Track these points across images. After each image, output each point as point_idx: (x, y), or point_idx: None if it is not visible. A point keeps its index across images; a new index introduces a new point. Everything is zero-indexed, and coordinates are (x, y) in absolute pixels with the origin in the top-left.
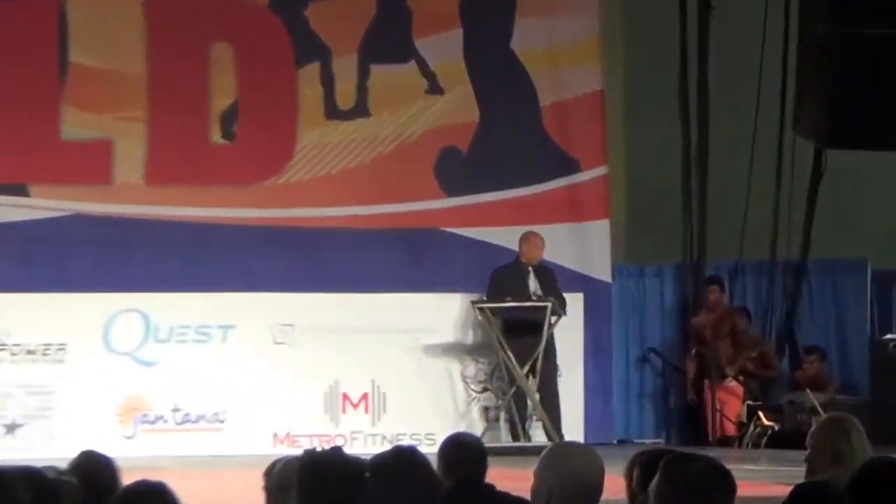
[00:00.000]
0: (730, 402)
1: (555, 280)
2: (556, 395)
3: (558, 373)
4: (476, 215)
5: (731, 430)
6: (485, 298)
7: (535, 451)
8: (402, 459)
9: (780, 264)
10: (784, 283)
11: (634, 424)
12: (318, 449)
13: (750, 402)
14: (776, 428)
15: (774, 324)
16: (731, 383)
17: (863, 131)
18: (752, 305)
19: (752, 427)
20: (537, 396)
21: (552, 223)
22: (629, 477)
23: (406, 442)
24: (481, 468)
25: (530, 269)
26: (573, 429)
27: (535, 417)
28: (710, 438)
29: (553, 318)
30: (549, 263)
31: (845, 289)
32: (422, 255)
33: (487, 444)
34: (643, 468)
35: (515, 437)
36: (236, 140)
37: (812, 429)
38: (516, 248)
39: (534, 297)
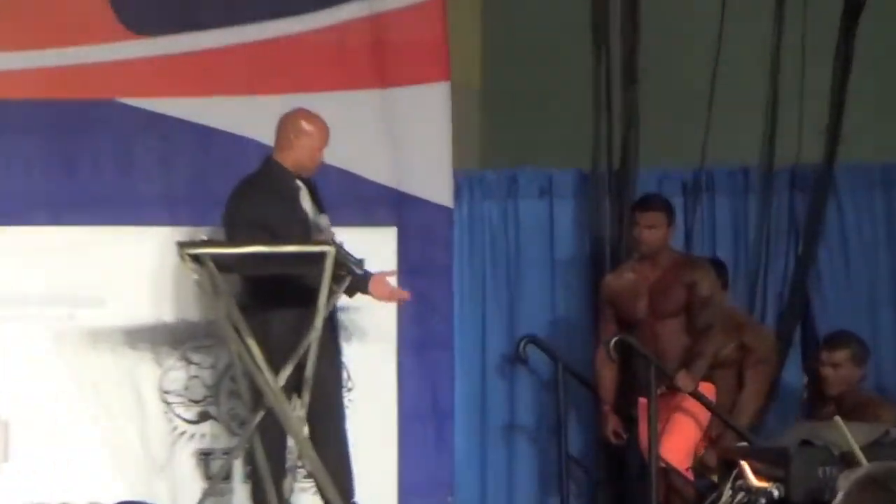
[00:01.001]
0: (681, 439)
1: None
2: (341, 426)
3: (347, 385)
4: (190, 75)
5: (687, 492)
6: (205, 238)
7: None
8: None
9: (783, 173)
10: (790, 207)
11: (499, 481)
12: None
13: (727, 445)
14: (775, 495)
15: (770, 284)
16: (685, 402)
17: None
18: (726, 247)
19: (729, 490)
20: (306, 429)
21: (336, 89)
22: None
23: None
24: None
25: (299, 183)
26: (380, 491)
27: (302, 469)
28: None
29: (341, 281)
30: (339, 173)
31: None
32: (84, 151)
33: None
34: None
35: None
36: None
37: (840, 496)
38: (267, 139)
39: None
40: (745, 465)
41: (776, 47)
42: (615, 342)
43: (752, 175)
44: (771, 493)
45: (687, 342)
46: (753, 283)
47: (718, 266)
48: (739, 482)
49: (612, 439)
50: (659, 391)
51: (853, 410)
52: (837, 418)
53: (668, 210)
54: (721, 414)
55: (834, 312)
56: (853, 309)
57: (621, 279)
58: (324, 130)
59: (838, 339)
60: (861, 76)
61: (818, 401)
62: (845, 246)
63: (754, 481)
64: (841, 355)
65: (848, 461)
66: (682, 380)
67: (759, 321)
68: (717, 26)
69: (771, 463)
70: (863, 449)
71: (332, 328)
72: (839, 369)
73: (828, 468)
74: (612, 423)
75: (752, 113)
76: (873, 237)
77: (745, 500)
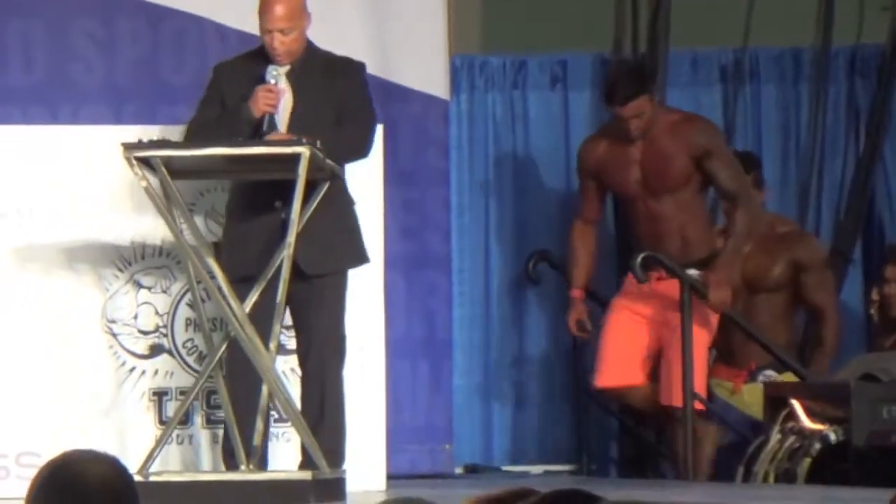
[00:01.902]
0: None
1: (339, 93)
2: (330, 361)
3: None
4: None
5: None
6: (155, 139)
7: (275, 492)
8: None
9: (843, 52)
10: (849, 95)
11: (504, 426)
12: None
13: (768, 373)
14: (832, 438)
15: (826, 188)
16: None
17: None
18: (773, 140)
19: (777, 434)
20: (272, 367)
21: None
22: None
23: None
24: None
25: (278, 68)
26: (365, 443)
27: (276, 415)
28: (682, 466)
29: (321, 184)
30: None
31: None
32: (8, 36)
33: (162, 478)
34: None
35: (229, 462)
36: None
37: None
38: (222, 19)
39: (269, 131)
40: (796, 404)
41: None
42: (642, 259)
43: (803, 57)
44: (827, 437)
45: (698, 226)
46: (806, 186)
47: (749, 159)
48: (790, 424)
49: (575, 331)
50: (653, 274)
51: None
52: None
53: (643, 85)
54: (782, 355)
55: None
56: None
57: (602, 145)
58: (266, 10)
59: None
60: None
61: (884, 327)
62: None
63: (808, 423)
64: None
65: None
66: (715, 293)
67: (810, 233)
68: None
69: (827, 401)
70: None
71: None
72: None
73: (894, 407)
74: (578, 312)
75: None
76: None
77: (797, 444)
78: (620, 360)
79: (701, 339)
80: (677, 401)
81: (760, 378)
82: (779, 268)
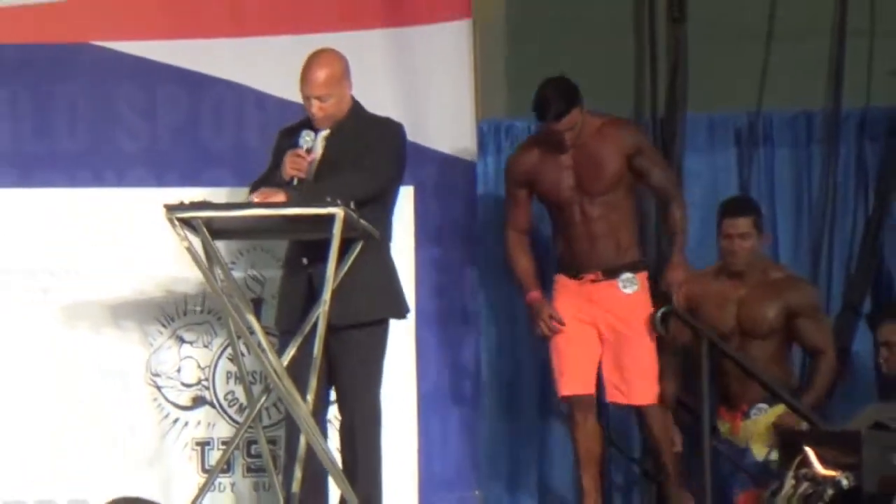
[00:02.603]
0: (653, 377)
1: (371, 140)
2: (365, 412)
3: (382, 362)
4: (172, 14)
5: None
6: (197, 201)
7: None
8: None
9: (854, 115)
10: (859, 157)
11: (530, 471)
12: None
13: (760, 406)
14: (845, 484)
15: (837, 246)
16: (764, 413)
17: None
18: (786, 201)
19: (791, 480)
20: (310, 417)
21: (345, 30)
22: None
23: None
24: None
25: (314, 133)
26: (398, 487)
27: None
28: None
29: (356, 242)
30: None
31: None
32: (55, 102)
33: None
34: None
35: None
36: None
37: None
38: (264, 87)
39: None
40: (810, 451)
41: None
42: (662, 314)
43: (815, 120)
44: (840, 483)
45: (630, 229)
46: (818, 243)
47: (747, 203)
48: (804, 470)
49: (547, 330)
50: (587, 276)
51: None
52: None
53: (574, 100)
54: (782, 394)
55: None
56: None
57: (533, 155)
58: (305, 77)
59: None
60: None
61: (894, 378)
62: None
63: (821, 469)
64: None
65: None
66: (673, 273)
67: (803, 277)
68: None
69: (840, 449)
70: None
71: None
72: None
73: None
74: (546, 309)
75: (816, 51)
76: None
77: (811, 490)
78: (580, 368)
79: (651, 341)
80: (650, 398)
81: (753, 412)
82: (772, 312)
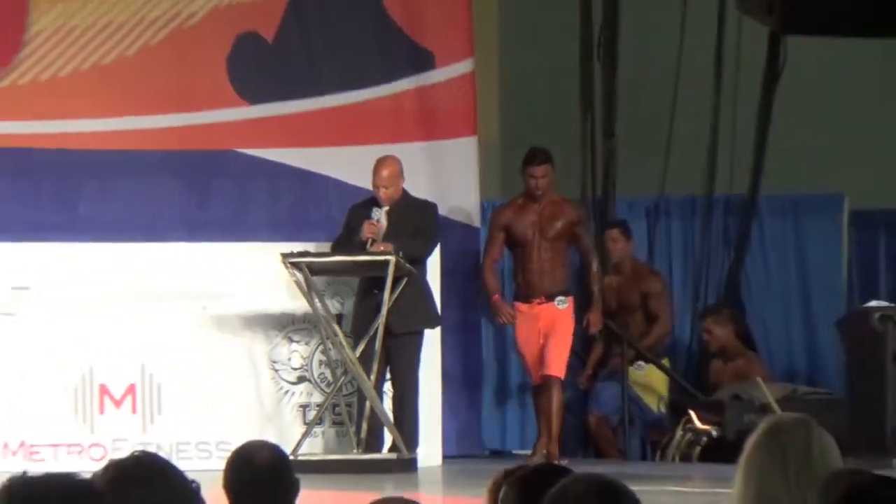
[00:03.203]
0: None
1: (417, 221)
2: (408, 387)
3: (419, 353)
4: (289, 131)
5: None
6: (301, 250)
7: (374, 466)
8: (144, 468)
9: (720, 200)
10: (725, 228)
11: (513, 430)
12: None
13: (675, 397)
14: (714, 434)
15: (710, 285)
16: (643, 369)
17: (837, 9)
18: (679, 257)
19: (680, 431)
20: (372, 389)
21: (396, 142)
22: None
23: (192, 455)
24: (281, 495)
25: (381, 209)
26: (428, 435)
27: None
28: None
29: (402, 278)
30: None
31: (811, 236)
32: (212, 188)
33: (306, 457)
34: (513, 494)
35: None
36: None
37: (752, 437)
38: (344, 178)
39: (370, 248)
40: (692, 413)
41: (715, 109)
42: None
43: (697, 203)
44: (711, 433)
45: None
46: (698, 281)
47: (622, 225)
48: (689, 425)
49: (511, 320)
50: (537, 301)
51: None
52: (759, 379)
53: (551, 160)
54: (679, 380)
55: (757, 304)
56: (770, 302)
57: (511, 209)
58: (376, 173)
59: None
60: (782, 122)
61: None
62: (765, 257)
63: (699, 425)
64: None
65: (766, 410)
66: (595, 317)
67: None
68: (671, 95)
69: (711, 411)
70: (778, 402)
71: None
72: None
73: (752, 415)
74: (506, 306)
75: (697, 155)
76: (785, 251)
77: (693, 438)
78: (535, 365)
79: (570, 339)
80: (558, 371)
81: (634, 367)
82: (635, 297)
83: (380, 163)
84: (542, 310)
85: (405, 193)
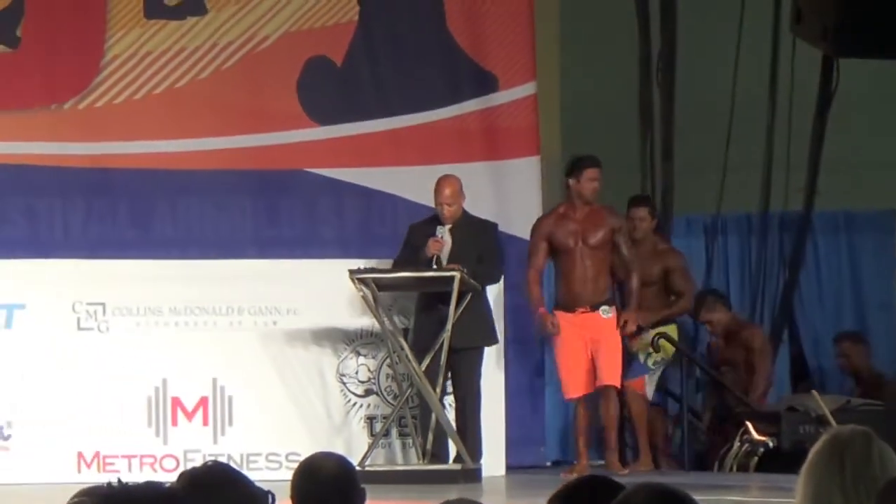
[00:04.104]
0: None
1: (481, 242)
2: (471, 399)
3: (481, 367)
4: (356, 152)
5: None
6: (368, 266)
7: (440, 476)
8: (217, 476)
9: (775, 218)
10: (780, 245)
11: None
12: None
13: (740, 410)
14: (770, 444)
15: (767, 299)
16: (610, 329)
17: (888, 33)
18: (736, 273)
19: (737, 443)
20: (438, 401)
21: (460, 162)
22: None
23: (262, 465)
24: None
25: (444, 227)
26: (491, 446)
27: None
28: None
29: (467, 294)
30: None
31: (864, 252)
32: (282, 206)
33: (372, 468)
34: None
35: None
36: (20, 47)
37: (814, 448)
38: (409, 196)
39: (434, 266)
40: (749, 424)
41: (770, 129)
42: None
43: (753, 220)
44: (767, 444)
45: (608, 276)
46: (754, 297)
47: (647, 200)
48: (745, 436)
49: (557, 330)
50: (580, 310)
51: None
52: (814, 391)
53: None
54: (737, 393)
55: (811, 320)
56: (823, 317)
57: (552, 219)
58: (438, 191)
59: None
60: (835, 140)
61: (797, 378)
62: (818, 273)
63: (756, 436)
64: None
65: (822, 422)
66: (633, 319)
67: (758, 323)
68: (727, 116)
69: (767, 423)
70: (832, 413)
71: (464, 326)
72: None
73: (807, 426)
74: (549, 318)
75: (753, 173)
76: (838, 267)
77: (750, 449)
78: (580, 375)
79: (620, 347)
80: (614, 380)
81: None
82: (657, 268)
83: (442, 181)
84: (586, 318)
85: (465, 212)
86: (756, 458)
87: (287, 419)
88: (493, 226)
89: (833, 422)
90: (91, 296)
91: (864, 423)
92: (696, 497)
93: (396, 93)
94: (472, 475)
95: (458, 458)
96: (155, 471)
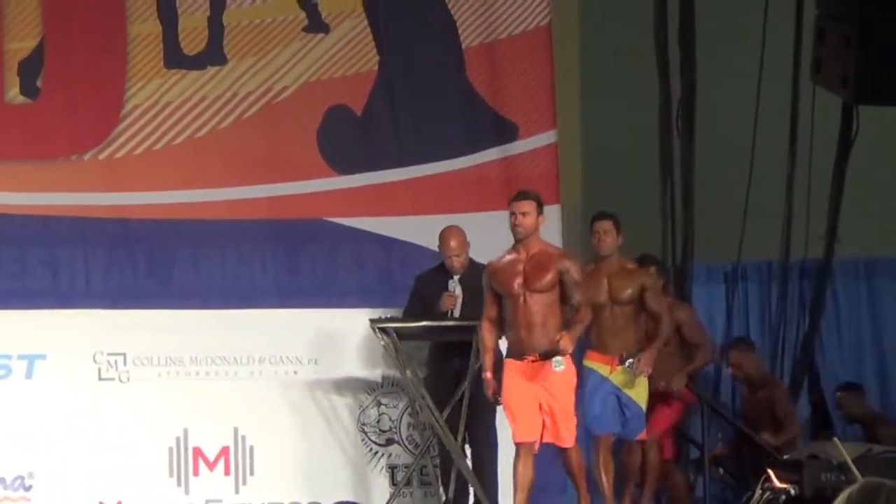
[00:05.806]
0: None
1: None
2: (489, 446)
3: (496, 416)
4: (376, 201)
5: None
6: (389, 316)
7: None
8: None
9: (795, 265)
10: (801, 292)
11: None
12: None
13: (632, 360)
14: (792, 492)
15: (787, 347)
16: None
17: None
18: (757, 321)
19: (759, 490)
20: (459, 450)
21: (480, 211)
22: None
23: None
24: None
25: (454, 279)
26: (509, 490)
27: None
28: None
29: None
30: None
31: (885, 299)
32: (302, 255)
33: None
34: None
35: None
36: (40, 98)
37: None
38: (429, 245)
39: (452, 316)
40: (771, 472)
41: (790, 176)
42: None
43: (773, 268)
44: (789, 492)
45: (556, 322)
46: (775, 344)
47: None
48: (767, 484)
49: (492, 399)
50: (531, 359)
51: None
52: (836, 439)
53: (537, 200)
54: (756, 437)
55: (831, 367)
56: (844, 364)
57: (498, 263)
58: (445, 244)
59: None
60: (855, 186)
61: (819, 426)
62: (838, 320)
63: (777, 483)
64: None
65: (843, 469)
66: (566, 342)
67: (777, 378)
68: (748, 164)
69: (789, 471)
70: (854, 461)
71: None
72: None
73: (829, 474)
74: (493, 386)
75: (773, 221)
76: (858, 314)
77: (771, 497)
78: (529, 420)
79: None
80: (570, 442)
81: (627, 364)
82: (630, 289)
83: (447, 233)
84: (535, 366)
85: (472, 260)
86: None
87: (309, 468)
88: None
89: (855, 469)
90: (112, 346)
91: (886, 470)
92: None
93: (416, 142)
94: None
95: None
96: None
